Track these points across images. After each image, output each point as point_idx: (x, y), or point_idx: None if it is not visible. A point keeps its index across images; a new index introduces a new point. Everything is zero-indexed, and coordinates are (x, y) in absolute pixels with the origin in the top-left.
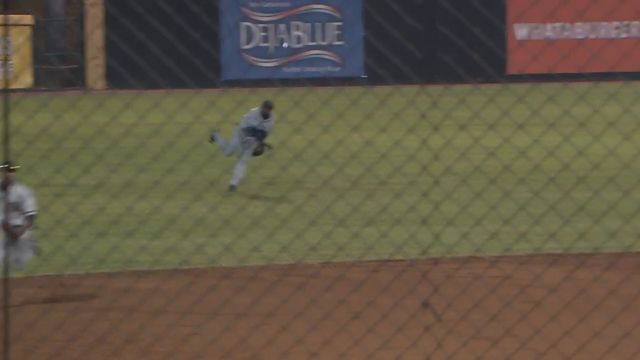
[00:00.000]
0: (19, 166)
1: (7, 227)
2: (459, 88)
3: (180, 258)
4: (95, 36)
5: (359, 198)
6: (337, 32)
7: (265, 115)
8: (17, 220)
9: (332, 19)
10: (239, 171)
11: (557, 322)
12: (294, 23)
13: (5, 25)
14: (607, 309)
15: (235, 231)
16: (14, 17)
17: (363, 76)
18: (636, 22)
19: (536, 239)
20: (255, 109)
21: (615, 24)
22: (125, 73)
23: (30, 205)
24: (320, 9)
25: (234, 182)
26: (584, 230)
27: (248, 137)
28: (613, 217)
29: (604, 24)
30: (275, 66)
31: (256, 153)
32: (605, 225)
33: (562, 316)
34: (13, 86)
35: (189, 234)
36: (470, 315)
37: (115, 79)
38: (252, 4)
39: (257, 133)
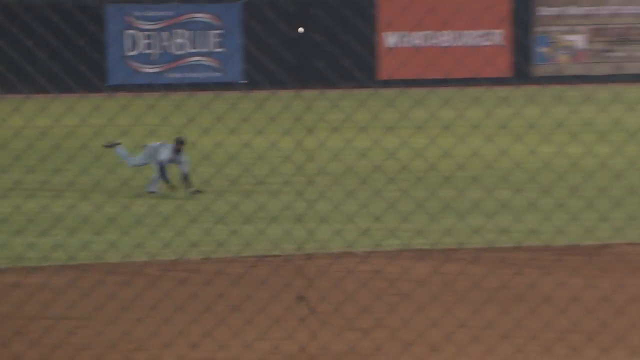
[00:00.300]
0: None
1: None
2: (332, 93)
3: (67, 254)
4: None
5: (237, 197)
6: (217, 39)
7: (177, 151)
8: None
9: (212, 27)
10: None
11: (424, 313)
12: (176, 31)
13: None
14: (471, 301)
15: (119, 229)
16: None
17: (242, 81)
18: (498, 31)
19: (405, 235)
20: (169, 145)
21: (479, 32)
22: (14, 78)
23: None
24: (201, 17)
25: (151, 188)
26: (449, 226)
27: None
28: (477, 214)
29: (468, 32)
30: (158, 72)
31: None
32: (469, 222)
33: (429, 308)
34: None
35: (75, 231)
36: (342, 307)
37: (4, 84)
38: (136, 13)
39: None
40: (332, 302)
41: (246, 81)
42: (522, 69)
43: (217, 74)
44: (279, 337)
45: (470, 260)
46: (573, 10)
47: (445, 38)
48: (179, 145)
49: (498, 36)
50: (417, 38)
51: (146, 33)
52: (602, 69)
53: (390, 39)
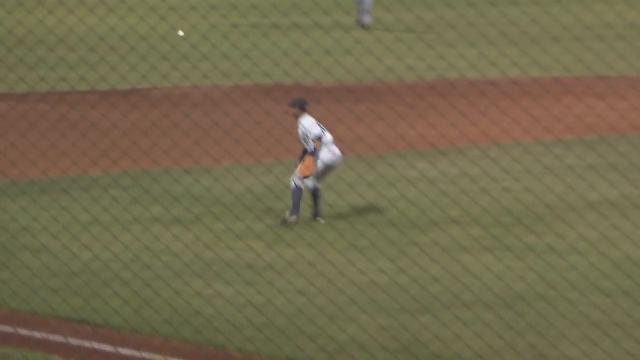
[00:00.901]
0: None
1: None
2: None
3: None
4: None
5: None
6: None
7: None
8: None
9: None
10: None
11: (5, 137)
12: None
13: None
14: (40, 129)
15: None
16: None
17: None
18: None
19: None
20: None
21: None
22: None
23: None
24: None
25: None
26: (43, 76)
27: None
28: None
29: None
30: None
31: None
32: (37, 72)
33: (9, 134)
34: None
35: None
36: None
37: None
38: None
39: None
40: None
41: None
42: None
43: None
44: None
45: (39, 101)
46: None
47: None
48: None
49: None
50: None
51: None
52: None
53: None
